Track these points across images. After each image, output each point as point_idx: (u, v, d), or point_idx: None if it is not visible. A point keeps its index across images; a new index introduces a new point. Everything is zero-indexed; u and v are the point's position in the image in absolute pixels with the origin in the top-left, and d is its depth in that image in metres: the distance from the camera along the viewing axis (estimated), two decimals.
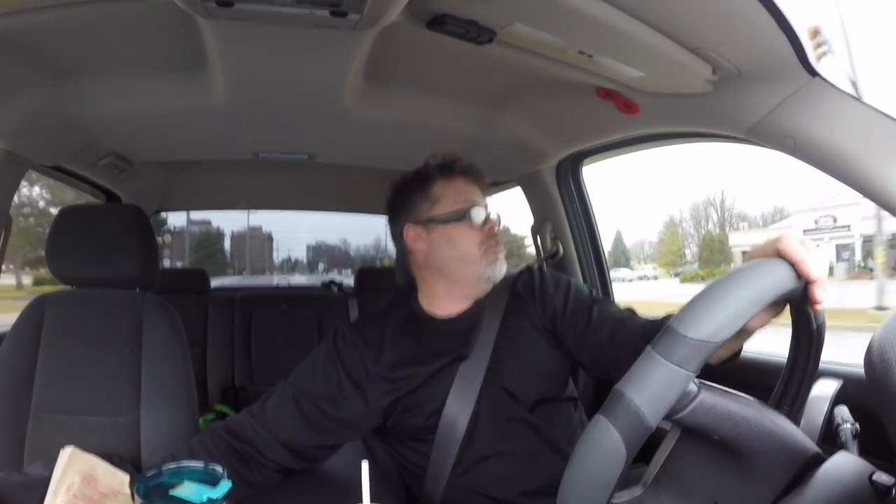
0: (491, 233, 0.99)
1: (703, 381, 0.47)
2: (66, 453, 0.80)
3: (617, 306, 0.99)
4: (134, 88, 1.22)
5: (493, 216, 1.00)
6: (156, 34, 1.01)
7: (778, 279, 0.49)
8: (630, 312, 0.97)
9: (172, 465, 0.66)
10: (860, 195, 0.77)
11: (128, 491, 0.80)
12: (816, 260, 0.52)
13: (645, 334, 0.86)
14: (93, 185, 1.89)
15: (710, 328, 0.43)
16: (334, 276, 3.96)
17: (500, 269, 0.99)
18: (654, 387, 0.43)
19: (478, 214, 0.97)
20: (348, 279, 2.77)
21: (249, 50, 1.02)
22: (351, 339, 0.99)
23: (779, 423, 0.50)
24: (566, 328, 0.96)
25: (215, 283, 2.75)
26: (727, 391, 0.50)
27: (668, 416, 0.45)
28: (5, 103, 1.12)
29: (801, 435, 0.51)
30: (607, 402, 0.44)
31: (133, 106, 1.28)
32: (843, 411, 0.59)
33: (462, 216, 0.97)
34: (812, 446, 0.51)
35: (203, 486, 0.62)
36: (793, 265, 0.51)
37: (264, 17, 0.84)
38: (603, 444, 0.43)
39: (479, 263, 0.97)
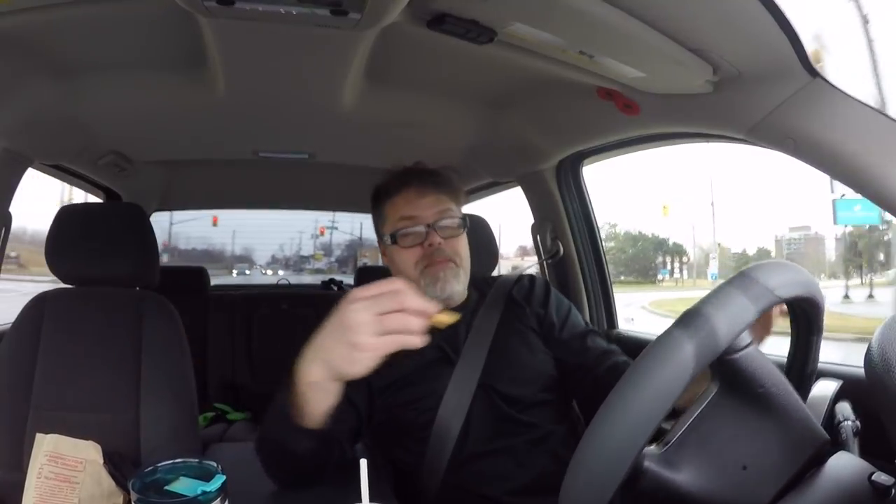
0: (427, 252, 0.93)
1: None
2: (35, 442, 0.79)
3: (610, 344, 1.01)
4: (135, 87, 1.22)
5: (445, 225, 0.95)
6: (156, 33, 1.01)
7: None
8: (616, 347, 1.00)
9: (168, 462, 0.66)
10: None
11: (95, 457, 0.80)
12: None
13: (615, 371, 0.91)
14: (93, 184, 1.90)
15: (783, 281, 0.50)
16: None
17: (445, 288, 0.94)
18: (729, 309, 0.47)
19: (404, 235, 0.94)
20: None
21: (250, 49, 1.02)
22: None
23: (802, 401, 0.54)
24: (558, 343, 0.99)
25: (215, 281, 2.75)
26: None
27: (723, 355, 0.48)
28: (6, 101, 1.12)
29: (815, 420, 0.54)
30: (681, 317, 0.49)
31: (134, 104, 1.28)
32: (844, 408, 0.59)
33: (394, 239, 0.95)
34: (823, 433, 0.53)
35: (198, 482, 0.63)
36: None
37: (265, 16, 0.84)
38: (675, 352, 0.47)
39: (419, 284, 0.93)
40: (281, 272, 5.03)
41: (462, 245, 0.97)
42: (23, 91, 1.12)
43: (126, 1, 0.90)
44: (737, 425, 0.52)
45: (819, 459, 0.50)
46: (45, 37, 0.98)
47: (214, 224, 4.34)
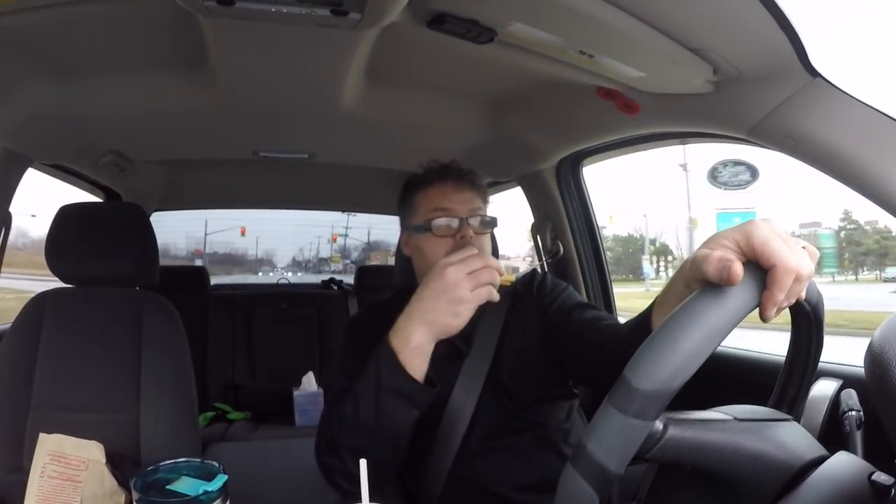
0: (459, 244, 0.94)
1: (669, 413, 0.47)
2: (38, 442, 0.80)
3: (603, 313, 0.98)
4: (135, 87, 1.22)
5: (475, 222, 0.96)
6: (157, 33, 1.01)
7: (741, 303, 0.44)
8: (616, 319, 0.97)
9: (170, 462, 0.67)
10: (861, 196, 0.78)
11: (98, 457, 0.80)
12: (799, 260, 0.45)
13: (612, 334, 0.86)
14: (93, 184, 1.90)
15: (664, 376, 0.41)
16: None
17: None
18: (612, 439, 0.42)
19: (439, 225, 0.95)
20: None
21: (250, 49, 1.02)
22: (360, 324, 1.03)
23: (757, 440, 0.49)
24: (549, 324, 0.98)
25: (215, 280, 2.75)
26: (697, 419, 0.49)
27: (637, 457, 0.44)
28: (6, 101, 1.12)
29: (787, 446, 0.50)
30: (573, 453, 0.44)
31: (134, 104, 1.28)
32: (850, 395, 0.58)
33: (427, 227, 0.96)
34: (799, 456, 0.50)
35: (200, 481, 0.63)
36: (766, 270, 0.44)
37: (265, 16, 0.84)
38: (574, 494, 0.43)
39: None
40: (300, 274, 5.71)
41: (487, 243, 0.99)
42: (23, 91, 1.12)
43: (126, 1, 0.90)
44: (686, 493, 0.52)
45: (794, 483, 0.48)
46: (45, 37, 0.98)
47: (243, 234, 5.27)
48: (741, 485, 0.49)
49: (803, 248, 0.47)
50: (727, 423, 0.50)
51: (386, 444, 0.83)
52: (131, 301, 1.16)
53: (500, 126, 1.44)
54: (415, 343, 0.78)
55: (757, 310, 0.45)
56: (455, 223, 0.95)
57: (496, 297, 0.78)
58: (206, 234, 5.18)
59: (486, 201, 1.02)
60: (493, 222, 0.99)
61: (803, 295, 0.49)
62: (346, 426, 0.83)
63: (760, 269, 0.44)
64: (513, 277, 0.80)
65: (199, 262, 4.97)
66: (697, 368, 0.42)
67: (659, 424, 0.45)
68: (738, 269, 0.43)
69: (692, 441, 0.47)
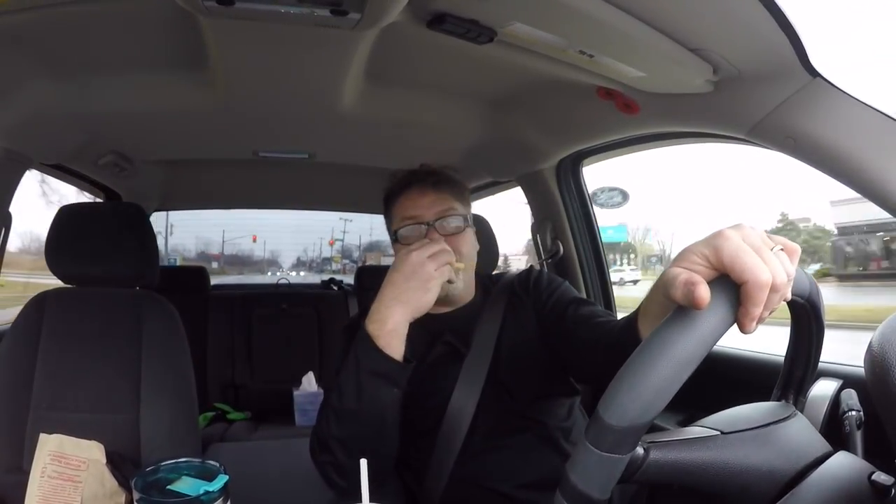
0: None
1: (651, 438, 0.47)
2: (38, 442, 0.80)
3: (599, 309, 0.98)
4: (135, 87, 1.22)
5: (450, 225, 0.96)
6: (157, 33, 1.01)
7: (715, 325, 0.42)
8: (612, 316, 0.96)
9: (170, 462, 0.67)
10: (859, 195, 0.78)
11: (98, 457, 0.81)
12: (773, 271, 0.42)
13: (607, 332, 0.86)
14: (93, 184, 1.90)
15: (635, 412, 0.41)
16: None
17: (452, 286, 0.95)
18: (592, 472, 0.43)
19: (405, 234, 0.96)
20: None
21: (250, 49, 1.02)
22: (356, 325, 1.01)
23: (747, 452, 0.49)
24: (546, 321, 0.98)
25: (215, 280, 2.75)
26: (679, 440, 0.49)
27: (621, 481, 0.44)
28: (6, 101, 1.12)
29: (785, 450, 0.50)
30: (561, 481, 0.45)
31: (134, 104, 1.28)
32: (850, 395, 0.58)
33: (396, 238, 0.98)
34: (797, 460, 0.49)
35: (200, 481, 0.63)
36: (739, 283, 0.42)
37: (265, 16, 0.84)
38: None
39: None
40: (303, 273, 6.39)
41: (464, 243, 0.97)
42: (23, 90, 1.11)
43: (126, 1, 0.90)
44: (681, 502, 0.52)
45: (794, 483, 0.48)
46: (45, 36, 0.98)
47: (254, 241, 6.02)
48: (734, 497, 0.49)
49: (781, 249, 0.45)
50: (713, 439, 0.49)
51: (371, 429, 0.83)
52: (131, 301, 1.16)
53: (500, 126, 1.44)
54: (391, 325, 0.82)
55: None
56: (421, 230, 0.95)
57: (455, 276, 0.90)
58: (223, 241, 6.06)
59: (461, 199, 1.01)
60: (467, 221, 0.99)
61: (789, 296, 0.47)
62: (333, 415, 0.85)
63: (734, 284, 0.43)
64: (462, 265, 0.92)
65: (215, 265, 5.87)
66: (671, 398, 0.41)
67: (640, 450, 0.45)
68: (703, 293, 0.41)
69: (675, 463, 0.47)
